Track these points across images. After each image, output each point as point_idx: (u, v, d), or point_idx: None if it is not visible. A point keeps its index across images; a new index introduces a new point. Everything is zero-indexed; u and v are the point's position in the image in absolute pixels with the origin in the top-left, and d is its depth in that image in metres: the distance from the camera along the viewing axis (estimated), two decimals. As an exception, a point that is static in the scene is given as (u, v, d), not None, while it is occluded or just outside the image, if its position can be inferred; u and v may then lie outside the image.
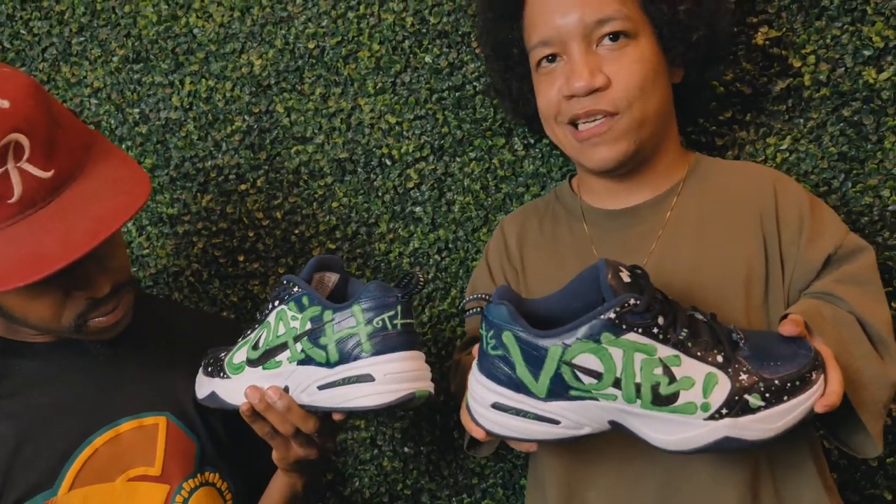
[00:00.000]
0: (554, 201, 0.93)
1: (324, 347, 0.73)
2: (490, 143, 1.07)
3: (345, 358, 0.72)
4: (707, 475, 0.77)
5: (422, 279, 0.74)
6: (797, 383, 0.64)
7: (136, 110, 1.14)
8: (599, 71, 0.77)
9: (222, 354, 0.83)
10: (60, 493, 0.78)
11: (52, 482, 0.78)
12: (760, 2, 0.95)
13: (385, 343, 0.72)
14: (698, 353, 0.65)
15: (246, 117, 1.12)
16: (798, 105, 0.97)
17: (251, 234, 1.14)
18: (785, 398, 0.63)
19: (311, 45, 1.09)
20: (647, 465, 0.79)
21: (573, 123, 0.81)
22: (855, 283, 0.76)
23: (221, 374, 0.81)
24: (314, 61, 1.10)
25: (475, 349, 0.75)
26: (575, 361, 0.64)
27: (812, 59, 0.95)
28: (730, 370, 0.64)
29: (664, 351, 0.64)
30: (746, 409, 0.63)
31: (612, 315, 0.63)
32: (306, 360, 0.74)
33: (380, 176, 1.10)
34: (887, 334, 0.74)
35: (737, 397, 0.63)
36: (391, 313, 0.72)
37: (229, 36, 1.11)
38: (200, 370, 0.85)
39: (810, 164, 0.97)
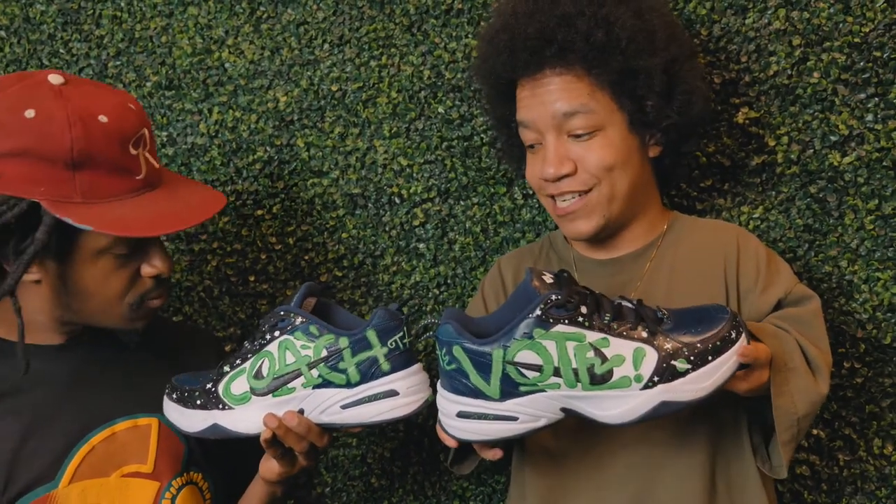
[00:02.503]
0: (548, 247, 1.03)
1: (343, 371, 0.81)
2: (492, 190, 1.17)
3: (365, 378, 0.81)
4: (672, 486, 0.86)
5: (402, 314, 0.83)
6: (718, 343, 0.71)
7: (165, 133, 1.23)
8: (567, 158, 0.88)
9: (209, 386, 0.87)
10: (61, 485, 0.83)
11: (54, 475, 0.83)
12: (743, 86, 1.07)
13: (400, 361, 0.81)
14: (623, 333, 0.72)
15: (267, 148, 1.21)
16: (771, 179, 1.08)
17: (263, 257, 1.22)
18: (710, 358, 0.70)
19: (334, 88, 1.19)
20: (622, 481, 0.87)
21: (553, 197, 0.92)
22: (798, 323, 0.85)
23: (221, 406, 0.85)
24: (336, 102, 1.19)
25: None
26: (516, 359, 0.72)
27: (785, 139, 1.07)
28: (655, 343, 0.71)
29: (592, 336, 0.71)
30: (675, 374, 0.70)
31: (539, 312, 0.71)
32: (324, 384, 0.82)
33: (388, 212, 1.19)
34: (823, 364, 0.83)
35: (664, 364, 0.70)
36: (400, 334, 0.82)
37: (258, 73, 1.20)
38: (173, 402, 0.88)
39: (779, 232, 1.08)
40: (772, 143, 1.07)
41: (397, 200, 1.19)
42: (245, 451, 0.93)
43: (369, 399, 0.81)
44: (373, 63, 1.17)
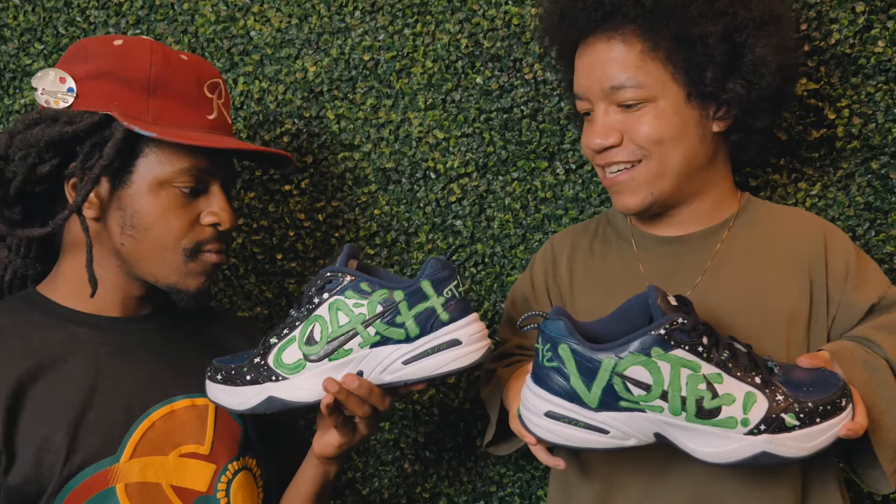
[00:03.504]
0: (605, 224, 0.98)
1: (401, 325, 0.78)
2: (533, 165, 1.11)
3: (425, 330, 0.78)
4: (737, 494, 0.82)
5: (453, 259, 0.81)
6: (829, 408, 0.70)
7: (188, 105, 1.17)
8: (614, 129, 0.84)
9: (257, 360, 0.84)
10: (122, 459, 0.81)
11: (116, 448, 0.81)
12: (802, 55, 1.01)
13: (458, 309, 0.79)
14: (738, 374, 0.71)
15: (296, 121, 1.16)
16: (829, 154, 1.03)
17: (291, 234, 1.17)
18: (818, 420, 0.69)
19: (366, 57, 1.13)
20: (679, 482, 0.83)
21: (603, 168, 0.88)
22: (893, 332, 0.81)
23: (275, 378, 0.82)
24: (368, 73, 1.14)
25: (529, 365, 0.80)
26: (626, 373, 0.70)
27: (846, 112, 1.01)
28: (767, 391, 0.70)
29: (708, 368, 0.70)
30: (783, 427, 0.69)
31: (663, 331, 0.70)
32: (382, 341, 0.79)
33: (423, 188, 1.14)
34: None
35: (774, 415, 0.69)
36: (455, 282, 0.80)
37: (286, 41, 1.14)
38: (217, 384, 0.85)
39: (837, 210, 1.03)
40: (832, 116, 1.02)
41: (433, 175, 1.14)
42: (297, 435, 0.91)
43: (432, 351, 0.79)
44: (407, 31, 1.12)
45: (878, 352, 0.80)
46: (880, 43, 0.99)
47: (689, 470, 0.83)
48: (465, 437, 1.17)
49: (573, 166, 1.11)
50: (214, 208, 0.86)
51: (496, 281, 1.14)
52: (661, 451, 0.82)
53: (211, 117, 0.87)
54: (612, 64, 0.83)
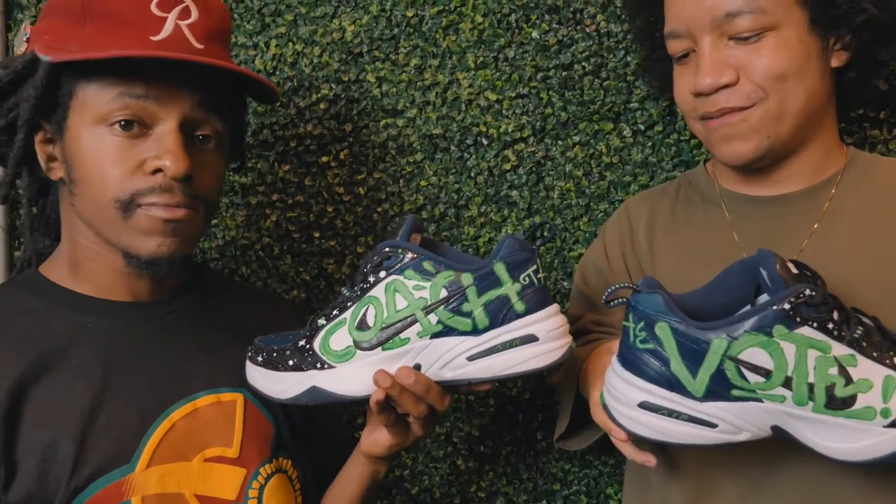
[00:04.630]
0: (686, 185, 0.87)
1: (468, 314, 0.68)
2: (596, 127, 1.01)
3: (496, 322, 0.68)
4: (860, 495, 0.70)
5: (555, 228, 0.70)
6: None
7: (216, 71, 1.08)
8: (728, 65, 0.73)
9: (302, 343, 0.75)
10: (138, 469, 0.71)
11: (130, 456, 0.71)
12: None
13: (536, 299, 0.69)
14: (874, 354, 0.61)
15: (333, 86, 1.06)
16: (936, 105, 0.91)
17: (329, 210, 1.07)
18: None
19: (409, 14, 1.03)
20: (789, 481, 0.72)
21: (705, 118, 0.77)
22: None
23: (320, 365, 0.73)
24: (411, 30, 1.04)
25: (613, 344, 0.69)
26: (741, 357, 0.60)
27: (956, 56, 0.90)
28: None
29: (839, 349, 0.60)
30: None
31: (787, 306, 0.59)
32: (445, 332, 0.69)
33: (474, 155, 1.04)
34: None
35: None
36: (534, 267, 0.69)
37: (321, -1, 1.05)
38: (257, 366, 0.76)
39: (946, 168, 0.91)
40: (939, 62, 0.90)
41: (485, 141, 1.03)
42: (336, 431, 0.83)
43: (503, 347, 0.68)
44: (454, -18, 1.02)
45: None
46: None
47: (802, 467, 0.72)
48: (525, 429, 1.06)
49: (642, 127, 1.00)
50: (158, 150, 0.71)
51: (557, 257, 1.03)
52: (769, 446, 0.72)
53: (157, 38, 0.71)
54: None
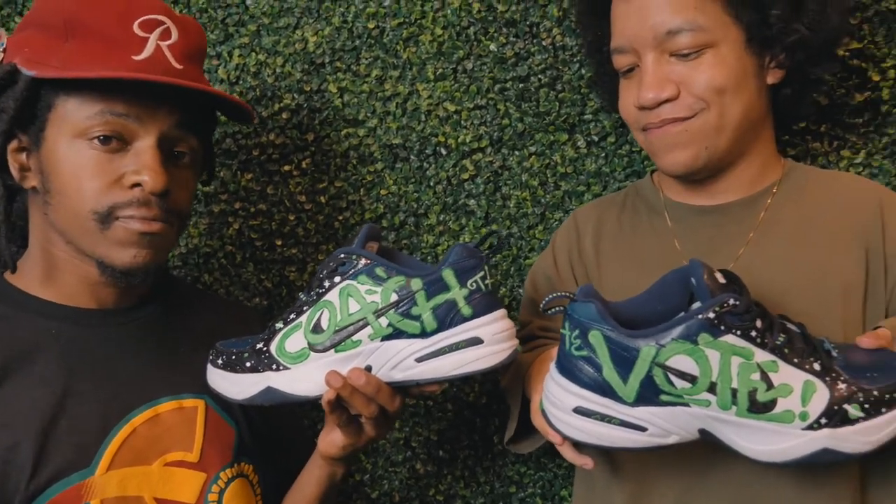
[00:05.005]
0: (633, 195, 0.90)
1: (417, 318, 0.70)
2: (552, 137, 1.03)
3: (444, 325, 0.70)
4: (786, 495, 0.73)
5: (502, 239, 0.73)
6: (895, 395, 0.62)
7: (179, 80, 1.09)
8: (669, 80, 0.76)
9: (259, 345, 0.76)
10: (97, 473, 0.72)
11: (90, 460, 0.72)
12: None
13: (482, 304, 0.71)
14: (795, 360, 0.63)
15: (296, 95, 1.07)
16: (874, 120, 0.95)
17: (291, 218, 1.09)
18: (883, 410, 0.62)
19: (370, 25, 1.05)
20: (722, 483, 0.75)
21: (648, 130, 0.80)
22: None
23: (276, 367, 0.74)
24: (372, 42, 1.06)
25: (554, 351, 0.71)
26: (669, 363, 0.62)
27: (892, 73, 0.94)
28: (827, 378, 0.62)
29: (762, 356, 0.62)
30: (846, 420, 0.62)
31: (712, 315, 0.62)
32: (395, 334, 0.71)
33: (433, 165, 1.06)
34: None
35: (836, 407, 0.62)
36: (481, 274, 0.72)
37: (284, 10, 1.07)
38: (217, 369, 0.78)
39: (883, 180, 0.95)
40: (876, 78, 0.94)
41: (443, 151, 1.06)
42: (297, 435, 0.84)
43: (449, 349, 0.70)
44: (414, -4, 1.04)
45: None
46: (928, -3, 0.91)
47: (733, 469, 0.74)
48: (482, 434, 1.08)
49: (595, 138, 1.03)
50: (137, 165, 0.73)
51: (513, 264, 1.05)
52: (702, 449, 0.74)
53: (139, 58, 0.73)
54: (668, 6, 0.75)
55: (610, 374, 0.64)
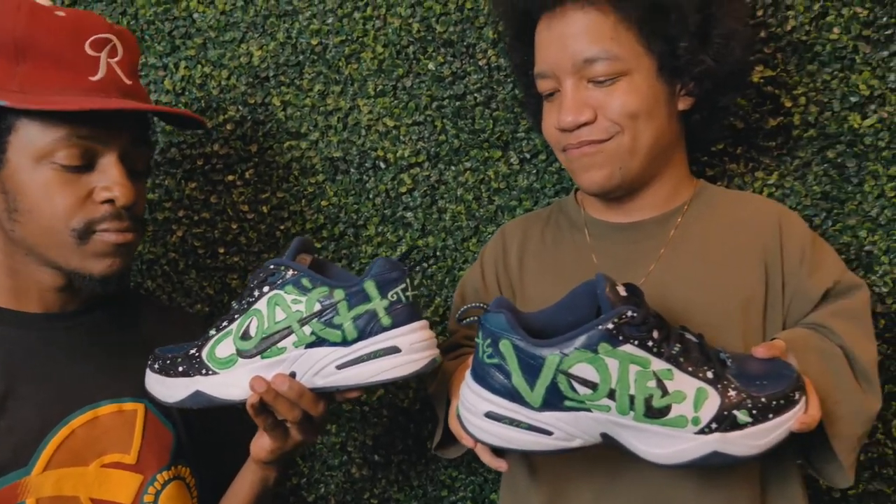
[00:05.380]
0: (557, 211, 0.94)
1: (339, 327, 0.73)
2: (486, 154, 1.08)
3: (364, 334, 0.73)
4: (692, 496, 0.78)
5: (416, 258, 0.76)
6: (782, 402, 0.66)
7: (126, 90, 1.11)
8: (587, 105, 0.80)
9: (192, 351, 0.79)
10: (34, 472, 0.74)
11: (27, 460, 0.74)
12: (758, 42, 0.99)
13: (402, 315, 0.74)
14: (689, 368, 0.67)
15: (240, 107, 1.10)
16: (786, 143, 1.01)
17: (234, 227, 1.12)
18: (770, 416, 0.66)
19: (314, 42, 1.08)
20: (633, 484, 0.79)
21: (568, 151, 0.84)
22: (848, 318, 0.79)
23: (205, 372, 0.77)
24: (316, 58, 1.09)
25: (470, 359, 0.75)
26: (571, 371, 0.66)
27: (803, 100, 0.99)
28: (719, 386, 0.66)
29: (658, 364, 0.66)
30: (735, 425, 0.65)
31: (611, 326, 0.65)
32: (318, 342, 0.74)
33: (372, 178, 1.10)
34: (872, 370, 0.78)
35: (726, 412, 0.65)
36: (402, 286, 0.74)
37: (230, 24, 1.10)
38: (154, 373, 0.80)
39: (794, 200, 1.01)
40: (788, 104, 1.00)
41: (382, 165, 1.09)
42: (236, 439, 0.86)
43: (368, 357, 0.73)
44: (356, 14, 1.07)
45: (833, 339, 0.77)
46: (835, 30, 0.97)
47: (644, 471, 0.78)
48: (416, 439, 1.11)
49: (527, 156, 1.07)
50: (107, 182, 0.77)
51: (448, 275, 1.09)
52: (615, 452, 0.78)
53: (95, 78, 0.77)
54: (585, 35, 0.79)
55: (518, 380, 0.67)
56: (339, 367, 0.74)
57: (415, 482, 1.12)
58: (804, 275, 0.81)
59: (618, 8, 0.79)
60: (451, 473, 1.11)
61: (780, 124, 1.00)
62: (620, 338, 0.65)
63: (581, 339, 0.65)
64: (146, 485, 0.81)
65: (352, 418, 1.12)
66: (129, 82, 0.80)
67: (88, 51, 0.77)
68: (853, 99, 0.98)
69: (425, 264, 1.09)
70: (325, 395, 0.77)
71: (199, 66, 1.10)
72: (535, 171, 1.07)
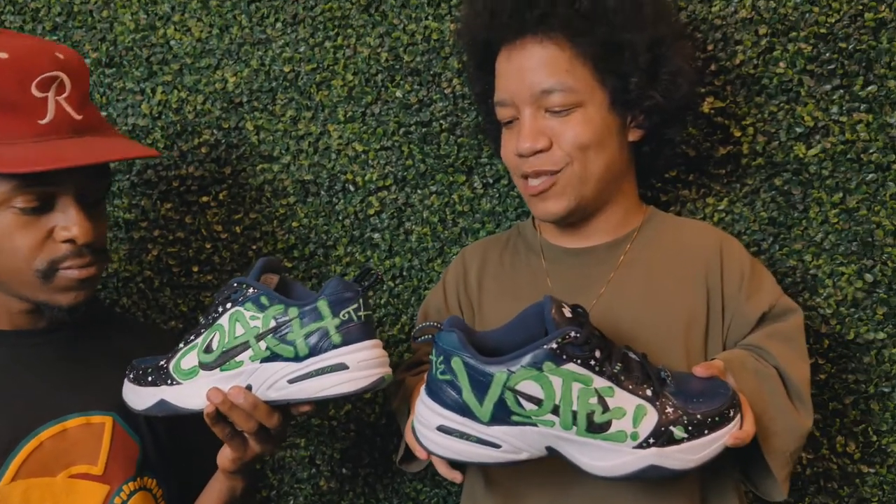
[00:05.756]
0: (515, 236, 0.99)
1: (291, 343, 0.77)
2: (451, 178, 1.12)
3: (314, 351, 0.76)
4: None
5: (379, 275, 0.81)
6: (717, 419, 0.70)
7: (104, 113, 1.15)
8: (543, 134, 0.85)
9: (162, 363, 0.83)
10: (2, 482, 0.77)
11: None
12: (709, 75, 1.04)
13: (353, 333, 0.77)
14: (630, 386, 0.70)
15: (214, 131, 1.14)
16: (736, 171, 1.06)
17: (208, 246, 1.15)
18: (706, 432, 0.70)
19: (286, 69, 1.13)
20: (583, 495, 0.83)
21: (526, 177, 0.88)
22: (783, 340, 0.84)
23: (170, 382, 0.81)
24: (288, 84, 1.13)
25: (426, 375, 0.79)
26: (518, 388, 0.69)
27: (751, 130, 1.04)
28: (657, 403, 0.70)
29: (599, 382, 0.70)
30: (671, 440, 0.69)
31: (555, 345, 0.69)
32: (272, 357, 0.77)
33: (342, 200, 1.14)
34: (805, 389, 0.83)
35: (663, 428, 0.69)
36: (355, 306, 0.77)
37: (206, 51, 1.14)
38: (129, 382, 0.85)
39: (743, 225, 1.05)
40: (737, 134, 1.05)
41: (351, 188, 1.13)
42: (203, 451, 0.89)
43: (317, 373, 0.77)
44: (328, 44, 1.12)
45: (769, 360, 0.82)
46: (781, 64, 1.03)
47: (593, 484, 0.82)
48: (382, 452, 1.15)
49: (490, 180, 1.12)
50: (66, 222, 0.79)
51: (413, 294, 1.13)
52: (565, 466, 0.83)
53: (44, 121, 0.77)
54: (544, 67, 0.84)
55: (469, 396, 0.71)
56: (291, 382, 0.77)
57: (381, 495, 1.15)
58: (743, 298, 0.86)
59: (574, 44, 0.83)
60: (416, 486, 1.14)
61: (730, 153, 1.05)
62: (564, 357, 0.69)
63: (527, 358, 0.69)
64: (112, 495, 0.84)
65: (320, 432, 1.15)
66: (78, 117, 0.80)
67: (35, 93, 0.77)
68: (798, 130, 1.03)
69: (392, 283, 1.14)
70: (280, 408, 0.80)
71: (176, 90, 1.14)
72: (497, 196, 1.12)
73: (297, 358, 0.77)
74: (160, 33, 1.14)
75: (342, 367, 0.76)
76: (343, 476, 1.16)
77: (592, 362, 0.70)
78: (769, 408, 0.79)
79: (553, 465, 0.82)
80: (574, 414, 0.69)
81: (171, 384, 0.81)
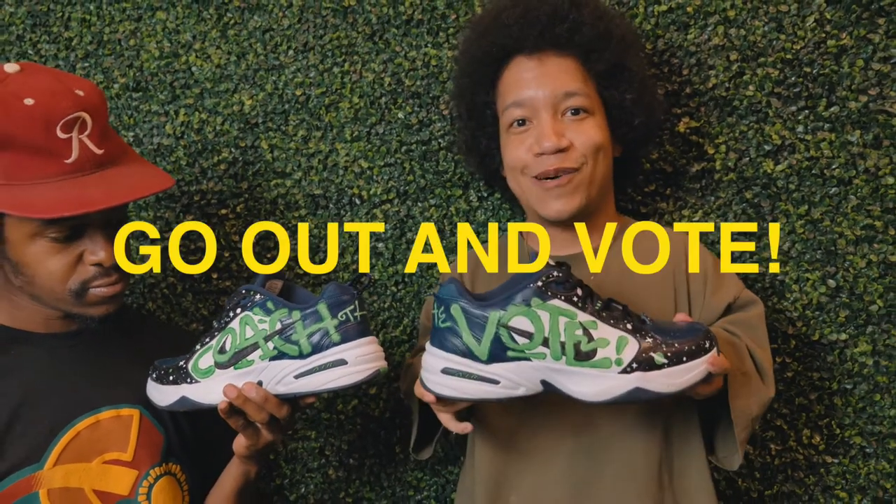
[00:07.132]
0: (504, 245, 1.08)
1: (296, 342, 0.85)
2: (449, 192, 1.22)
3: (317, 349, 0.85)
4: (614, 479, 0.92)
5: (371, 278, 0.89)
6: (693, 348, 0.76)
7: (131, 134, 1.26)
8: (563, 135, 0.92)
9: (181, 363, 0.92)
10: (46, 467, 0.88)
11: (40, 457, 0.88)
12: (684, 97, 1.14)
13: (350, 332, 0.85)
14: (611, 321, 0.78)
15: (232, 150, 1.25)
16: (709, 185, 1.15)
17: (226, 255, 1.26)
18: (684, 359, 0.76)
19: (298, 92, 1.23)
20: (567, 469, 0.93)
21: (540, 178, 0.95)
22: (746, 328, 0.93)
23: (189, 380, 0.90)
24: (299, 106, 1.23)
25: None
26: (511, 324, 0.77)
27: (723, 148, 1.13)
28: (637, 335, 0.77)
29: (583, 316, 0.77)
30: (653, 365, 0.76)
31: (540, 283, 0.77)
32: (279, 356, 0.86)
33: (349, 213, 1.24)
34: (769, 367, 0.91)
35: (644, 355, 0.76)
36: (351, 307, 0.86)
37: (224, 76, 1.24)
38: (152, 381, 0.93)
39: (716, 236, 1.14)
40: (711, 152, 1.14)
41: (358, 201, 1.23)
42: (222, 440, 0.97)
43: (320, 368, 0.85)
44: (336, 69, 1.22)
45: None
46: (751, 87, 1.11)
47: (572, 465, 0.92)
48: (386, 444, 1.25)
49: (485, 194, 1.21)
50: (93, 247, 0.88)
51: (414, 299, 1.23)
52: (545, 453, 0.92)
53: (70, 161, 0.84)
54: (566, 73, 0.93)
55: (468, 338, 0.78)
56: (297, 377, 0.86)
57: (385, 483, 1.25)
58: (708, 293, 0.95)
59: (585, 60, 0.94)
60: (417, 475, 1.24)
61: (704, 169, 1.14)
62: (549, 293, 0.76)
63: (517, 297, 0.77)
64: (141, 479, 0.94)
65: (329, 426, 1.25)
66: (99, 151, 0.86)
67: (60, 135, 0.83)
68: (767, 147, 1.12)
69: (394, 289, 1.23)
70: (288, 400, 0.88)
71: (197, 112, 1.25)
72: (491, 208, 1.21)
73: (301, 356, 0.85)
74: (182, 60, 1.24)
75: (342, 362, 0.85)
76: (350, 466, 1.26)
77: (575, 299, 0.77)
78: (738, 372, 0.87)
79: (535, 451, 0.91)
80: (562, 345, 0.76)
81: (191, 382, 0.89)
